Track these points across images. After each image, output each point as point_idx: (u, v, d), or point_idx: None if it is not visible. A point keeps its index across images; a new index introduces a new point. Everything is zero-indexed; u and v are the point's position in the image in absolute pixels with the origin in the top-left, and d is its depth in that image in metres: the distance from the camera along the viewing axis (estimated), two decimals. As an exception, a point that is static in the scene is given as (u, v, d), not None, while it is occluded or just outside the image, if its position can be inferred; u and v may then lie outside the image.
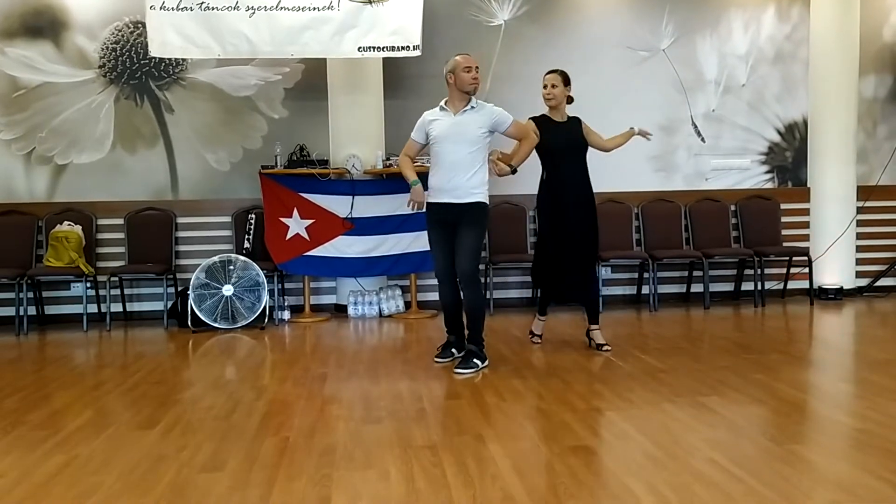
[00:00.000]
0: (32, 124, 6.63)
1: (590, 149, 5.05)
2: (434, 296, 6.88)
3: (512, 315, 6.53)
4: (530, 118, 4.96)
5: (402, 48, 6.11)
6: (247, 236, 6.58)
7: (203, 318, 6.08)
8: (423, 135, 4.68)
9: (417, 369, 4.66)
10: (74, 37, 6.64)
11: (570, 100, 5.04)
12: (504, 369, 4.55)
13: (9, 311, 6.35)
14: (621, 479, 2.81)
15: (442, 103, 4.66)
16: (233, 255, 6.25)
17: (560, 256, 4.92)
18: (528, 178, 6.86)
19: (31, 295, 6.46)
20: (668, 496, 2.63)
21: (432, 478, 2.86)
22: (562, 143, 4.92)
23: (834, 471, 2.90)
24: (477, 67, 4.59)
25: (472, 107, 4.59)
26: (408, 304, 6.73)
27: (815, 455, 3.09)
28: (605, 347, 5.02)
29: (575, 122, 5.04)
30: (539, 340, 5.31)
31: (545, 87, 4.95)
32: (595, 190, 7.01)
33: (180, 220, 6.78)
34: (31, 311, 6.46)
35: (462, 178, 4.52)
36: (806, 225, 7.34)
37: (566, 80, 4.96)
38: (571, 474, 2.88)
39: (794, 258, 7.13)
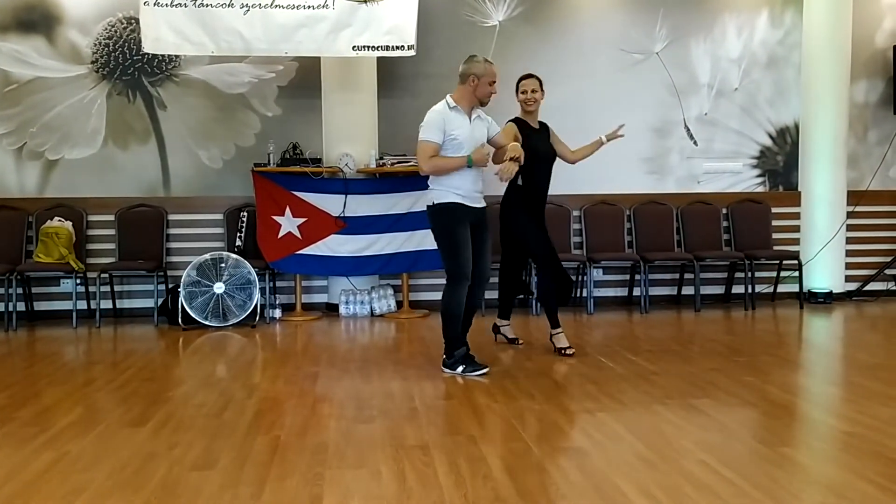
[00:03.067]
0: (24, 119, 6.60)
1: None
2: (426, 295, 6.90)
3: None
4: (510, 121, 4.89)
5: (397, 48, 6.11)
6: (239, 234, 6.56)
7: (194, 315, 6.05)
8: (441, 135, 4.39)
9: (409, 369, 4.66)
10: (67, 32, 6.61)
11: None
12: (495, 370, 4.55)
13: (-2, 307, 6.32)
14: (612, 480, 2.82)
15: (450, 100, 4.44)
16: (224, 253, 6.24)
17: (551, 256, 4.91)
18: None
19: (20, 291, 6.43)
20: (659, 497, 2.64)
21: (424, 477, 2.86)
22: (541, 149, 4.88)
23: (823, 473, 2.92)
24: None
25: (479, 116, 4.56)
26: (399, 304, 6.73)
27: (805, 458, 3.11)
28: (568, 350, 4.94)
29: (546, 130, 5.02)
30: (522, 342, 5.31)
31: (524, 91, 4.88)
32: (587, 191, 7.15)
33: (172, 217, 6.75)
34: (21, 307, 6.42)
35: (480, 183, 4.55)
36: (796, 229, 7.38)
37: (541, 85, 4.93)
38: (562, 475, 2.88)
39: (785, 262, 7.17)
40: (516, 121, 4.91)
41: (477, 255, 4.52)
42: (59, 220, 6.38)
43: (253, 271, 6.16)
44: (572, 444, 3.25)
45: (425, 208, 4.60)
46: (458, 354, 4.51)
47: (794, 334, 6.00)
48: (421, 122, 4.48)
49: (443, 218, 4.47)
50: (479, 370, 4.46)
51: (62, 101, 6.62)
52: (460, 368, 4.48)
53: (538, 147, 4.86)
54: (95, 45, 6.64)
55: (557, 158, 5.04)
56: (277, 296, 6.71)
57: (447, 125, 4.39)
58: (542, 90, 4.91)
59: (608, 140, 5.08)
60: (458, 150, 4.40)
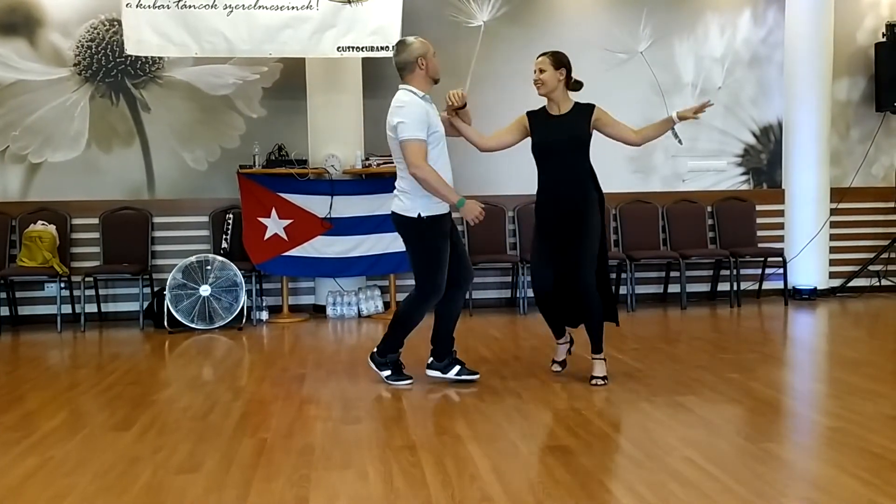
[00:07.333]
0: (6, 122, 6.54)
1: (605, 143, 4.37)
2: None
3: (490, 316, 6.54)
4: (527, 112, 4.30)
5: (382, 48, 6.10)
6: (224, 236, 6.54)
7: (180, 318, 6.02)
8: (427, 131, 3.96)
9: (396, 370, 4.65)
10: (49, 34, 6.56)
11: (576, 85, 4.24)
12: (483, 369, 4.55)
13: (-19, 312, 6.27)
14: (599, 478, 2.83)
15: (416, 91, 4.04)
16: (210, 255, 6.21)
17: (548, 271, 4.24)
18: (506, 178, 6.92)
19: (4, 295, 6.38)
20: (645, 495, 2.65)
21: (411, 478, 2.86)
22: (552, 140, 4.15)
23: (808, 469, 2.94)
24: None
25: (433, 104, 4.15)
26: (387, 305, 6.72)
27: (790, 453, 3.13)
28: (598, 382, 4.16)
29: (578, 113, 4.19)
30: (560, 368, 4.49)
31: (534, 72, 4.18)
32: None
33: (157, 219, 6.72)
34: (5, 311, 6.37)
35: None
36: (780, 226, 7.42)
37: (558, 63, 4.14)
38: (549, 474, 2.89)
39: (769, 259, 7.21)
40: (539, 111, 4.27)
41: (459, 258, 4.21)
42: (43, 224, 6.33)
43: (239, 273, 6.14)
44: (559, 443, 3.26)
45: (394, 216, 4.11)
46: (391, 359, 4.30)
47: (779, 331, 6.03)
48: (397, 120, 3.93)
49: (431, 231, 4.05)
50: (404, 380, 4.27)
51: (45, 103, 6.57)
52: (386, 373, 4.29)
53: (546, 138, 4.16)
54: (78, 47, 6.60)
55: (609, 145, 4.45)
56: (264, 298, 6.69)
57: (429, 119, 3.96)
58: (555, 68, 4.13)
59: (681, 120, 4.17)
60: (437, 145, 4.01)
